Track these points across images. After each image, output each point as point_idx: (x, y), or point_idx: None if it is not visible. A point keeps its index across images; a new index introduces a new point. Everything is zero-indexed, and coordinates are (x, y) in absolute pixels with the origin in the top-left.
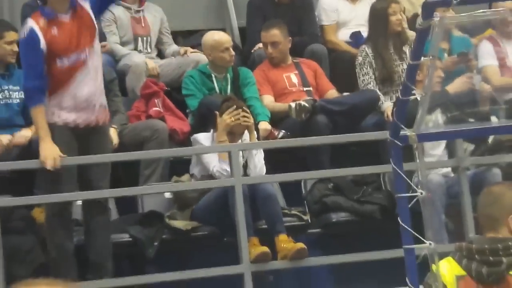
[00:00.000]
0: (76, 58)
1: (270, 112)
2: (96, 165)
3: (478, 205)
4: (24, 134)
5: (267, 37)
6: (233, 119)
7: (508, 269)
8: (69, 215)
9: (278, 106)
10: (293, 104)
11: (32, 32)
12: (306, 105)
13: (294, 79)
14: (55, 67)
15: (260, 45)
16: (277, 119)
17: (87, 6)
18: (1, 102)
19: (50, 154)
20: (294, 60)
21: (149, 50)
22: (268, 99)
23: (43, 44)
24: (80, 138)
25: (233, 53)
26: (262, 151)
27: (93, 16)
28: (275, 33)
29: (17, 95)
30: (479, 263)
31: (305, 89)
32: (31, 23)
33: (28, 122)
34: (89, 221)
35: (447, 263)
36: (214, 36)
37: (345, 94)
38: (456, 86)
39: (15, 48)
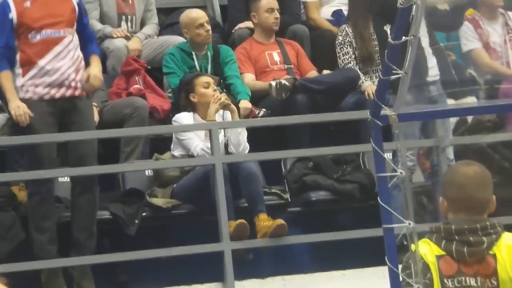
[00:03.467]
0: (50, 34)
1: (251, 90)
2: (82, 141)
3: (467, 187)
4: None
5: (275, 3)
6: (219, 103)
7: (488, 249)
8: (49, 193)
9: (258, 84)
10: (273, 83)
11: (3, 2)
12: (287, 83)
13: (276, 57)
14: (27, 40)
15: (241, 25)
16: (257, 98)
17: None
18: None
19: (19, 109)
20: (277, 39)
21: (132, 29)
22: (249, 77)
23: (13, 14)
24: (59, 112)
25: (208, 28)
26: (245, 129)
27: (77, 9)
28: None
29: None
30: (459, 243)
31: (286, 66)
32: None
33: None
34: (75, 198)
35: (425, 244)
36: (188, 14)
37: (325, 72)
38: None
39: None
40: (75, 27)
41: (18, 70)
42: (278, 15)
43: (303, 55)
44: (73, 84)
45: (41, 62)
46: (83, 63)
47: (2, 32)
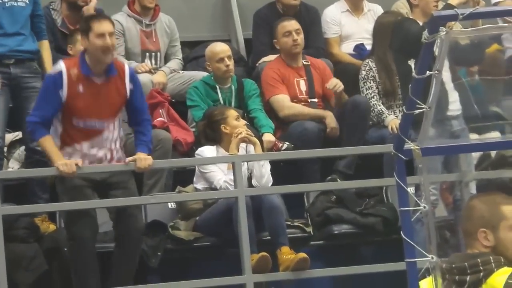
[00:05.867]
0: (94, 124)
1: (295, 115)
2: (117, 185)
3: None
4: None
5: (291, 25)
6: (239, 137)
7: (476, 286)
8: (93, 247)
9: (307, 109)
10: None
11: (59, 76)
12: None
13: (303, 86)
14: (70, 122)
15: (265, 58)
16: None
17: (127, 82)
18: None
19: (65, 162)
20: (305, 62)
21: (156, 65)
22: (286, 99)
23: (64, 94)
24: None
25: (228, 63)
26: (268, 162)
27: (128, 93)
28: (296, 23)
29: None
30: (448, 282)
31: (310, 100)
32: (63, 67)
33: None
34: (117, 256)
35: (427, 281)
36: (211, 47)
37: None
38: None
39: None
40: (121, 112)
41: (57, 142)
42: (296, 37)
43: (330, 76)
44: (109, 161)
45: (78, 147)
46: (121, 143)
47: (44, 105)
